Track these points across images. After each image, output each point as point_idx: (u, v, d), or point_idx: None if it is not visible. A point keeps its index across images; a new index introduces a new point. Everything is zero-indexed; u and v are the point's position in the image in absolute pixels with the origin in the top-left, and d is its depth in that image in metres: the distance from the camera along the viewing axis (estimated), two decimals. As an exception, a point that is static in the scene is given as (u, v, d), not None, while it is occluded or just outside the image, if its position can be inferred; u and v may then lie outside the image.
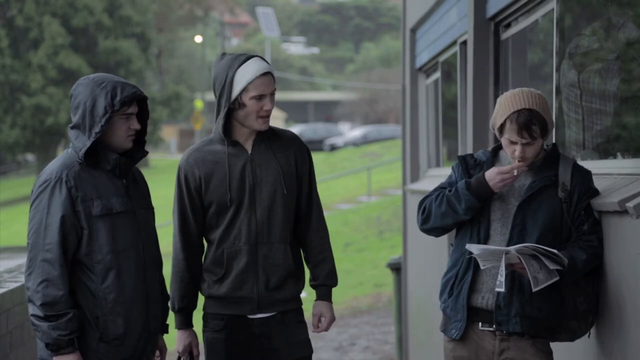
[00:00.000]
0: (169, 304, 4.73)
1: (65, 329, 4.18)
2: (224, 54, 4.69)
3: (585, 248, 4.42)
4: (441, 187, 4.64)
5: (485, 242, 4.50)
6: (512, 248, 4.30)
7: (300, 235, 4.83)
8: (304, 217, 4.81)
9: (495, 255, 4.36)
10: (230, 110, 4.61)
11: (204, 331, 4.77)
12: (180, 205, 4.72)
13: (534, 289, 4.31)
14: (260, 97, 4.60)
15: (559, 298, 4.46)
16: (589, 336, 4.57)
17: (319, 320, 4.83)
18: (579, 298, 4.48)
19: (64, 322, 4.18)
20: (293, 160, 4.76)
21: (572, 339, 4.54)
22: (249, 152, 4.68)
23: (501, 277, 4.33)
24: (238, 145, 4.68)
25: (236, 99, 4.59)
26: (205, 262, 4.75)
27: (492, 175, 4.43)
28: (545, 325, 4.47)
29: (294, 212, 4.77)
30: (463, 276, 4.55)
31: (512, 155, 4.46)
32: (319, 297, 4.84)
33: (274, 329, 4.71)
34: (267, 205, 4.67)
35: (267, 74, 4.62)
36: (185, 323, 4.77)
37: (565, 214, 4.45)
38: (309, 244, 4.83)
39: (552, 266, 4.30)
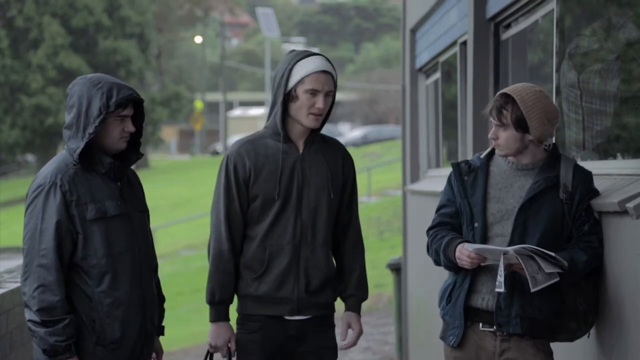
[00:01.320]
0: (206, 295, 4.67)
1: (62, 335, 4.17)
2: (292, 51, 4.68)
3: (585, 249, 4.42)
4: (439, 209, 4.69)
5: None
6: (510, 248, 4.31)
7: (337, 244, 4.79)
8: (343, 226, 4.78)
9: (493, 254, 4.36)
10: (284, 103, 4.59)
11: (237, 332, 4.71)
12: (228, 195, 4.63)
13: (532, 290, 4.31)
14: (314, 93, 4.57)
15: (559, 299, 4.46)
16: (588, 336, 4.57)
17: (347, 332, 4.79)
18: (579, 299, 4.48)
19: (60, 327, 4.17)
20: (341, 166, 4.73)
21: (571, 339, 4.54)
22: (301, 151, 4.66)
23: (500, 278, 4.33)
24: (290, 143, 4.65)
25: (291, 90, 4.57)
26: (244, 258, 4.68)
27: (460, 255, 4.46)
28: (546, 326, 4.46)
29: (335, 217, 4.74)
30: (462, 282, 4.56)
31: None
32: (348, 308, 4.81)
33: (310, 331, 4.68)
34: (314, 206, 4.64)
35: (327, 73, 4.60)
36: (223, 316, 4.68)
37: (566, 215, 4.45)
38: (344, 253, 4.80)
39: (548, 269, 4.30)
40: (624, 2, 5.12)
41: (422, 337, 10.08)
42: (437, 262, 4.64)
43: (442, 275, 4.98)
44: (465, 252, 4.42)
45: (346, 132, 55.73)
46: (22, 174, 53.18)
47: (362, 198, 30.66)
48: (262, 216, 4.64)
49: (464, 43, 8.21)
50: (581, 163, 4.79)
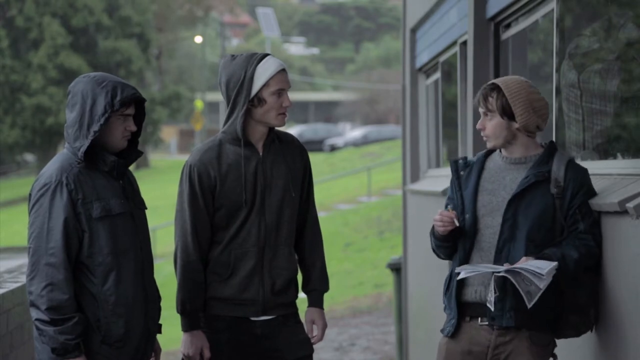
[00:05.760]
0: (177, 306, 4.70)
1: (72, 333, 4.17)
2: (233, 55, 4.67)
3: (578, 246, 4.43)
4: (445, 207, 4.73)
5: (475, 237, 4.57)
6: (502, 269, 4.36)
7: (296, 238, 4.83)
8: (302, 220, 4.82)
9: (484, 273, 4.44)
10: (247, 109, 4.60)
11: (204, 332, 4.73)
12: (194, 205, 4.65)
13: (529, 305, 4.33)
14: (280, 93, 4.61)
15: (555, 292, 4.47)
16: (592, 331, 4.58)
17: (312, 327, 4.84)
18: (579, 293, 4.50)
19: (70, 326, 4.17)
20: (299, 162, 4.77)
21: (577, 335, 4.56)
22: (260, 153, 4.68)
23: (490, 297, 4.42)
24: (250, 146, 4.67)
25: (256, 95, 4.58)
26: (209, 263, 4.71)
27: (436, 217, 4.55)
28: (541, 318, 4.48)
29: (297, 215, 4.78)
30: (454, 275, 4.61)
31: None
32: (311, 304, 4.85)
33: (275, 329, 4.72)
34: (277, 208, 4.68)
35: (284, 70, 4.65)
36: (196, 324, 4.70)
37: (557, 210, 4.48)
38: (304, 247, 4.84)
39: (542, 284, 4.31)
40: (624, 2, 5.13)
41: (422, 336, 10.08)
42: (434, 250, 4.73)
43: (442, 275, 5.00)
44: (440, 214, 4.51)
45: (346, 132, 55.72)
46: (22, 174, 53.17)
47: (362, 198, 30.67)
48: (229, 223, 4.66)
49: (464, 43, 8.21)
50: (581, 163, 4.79)
